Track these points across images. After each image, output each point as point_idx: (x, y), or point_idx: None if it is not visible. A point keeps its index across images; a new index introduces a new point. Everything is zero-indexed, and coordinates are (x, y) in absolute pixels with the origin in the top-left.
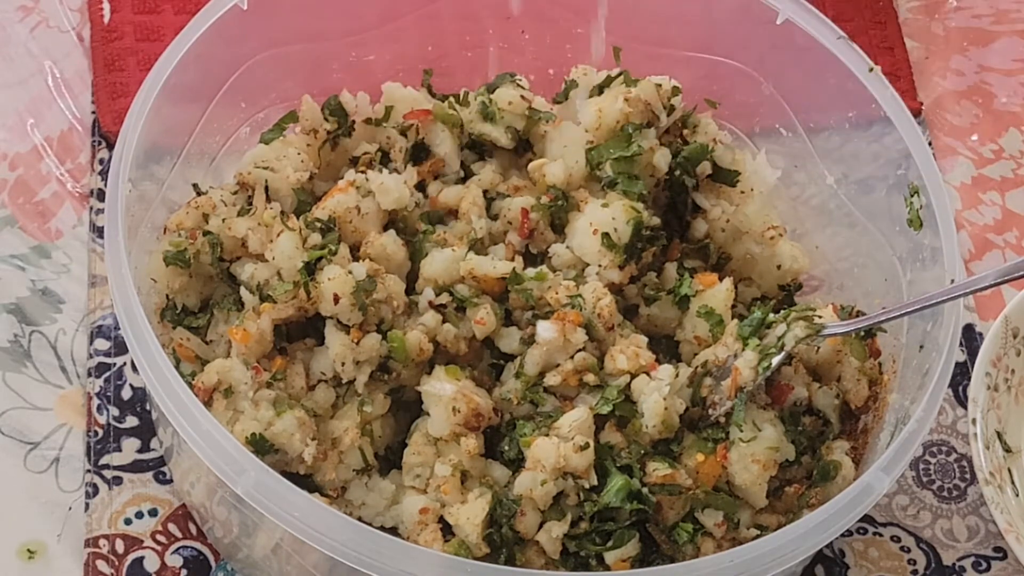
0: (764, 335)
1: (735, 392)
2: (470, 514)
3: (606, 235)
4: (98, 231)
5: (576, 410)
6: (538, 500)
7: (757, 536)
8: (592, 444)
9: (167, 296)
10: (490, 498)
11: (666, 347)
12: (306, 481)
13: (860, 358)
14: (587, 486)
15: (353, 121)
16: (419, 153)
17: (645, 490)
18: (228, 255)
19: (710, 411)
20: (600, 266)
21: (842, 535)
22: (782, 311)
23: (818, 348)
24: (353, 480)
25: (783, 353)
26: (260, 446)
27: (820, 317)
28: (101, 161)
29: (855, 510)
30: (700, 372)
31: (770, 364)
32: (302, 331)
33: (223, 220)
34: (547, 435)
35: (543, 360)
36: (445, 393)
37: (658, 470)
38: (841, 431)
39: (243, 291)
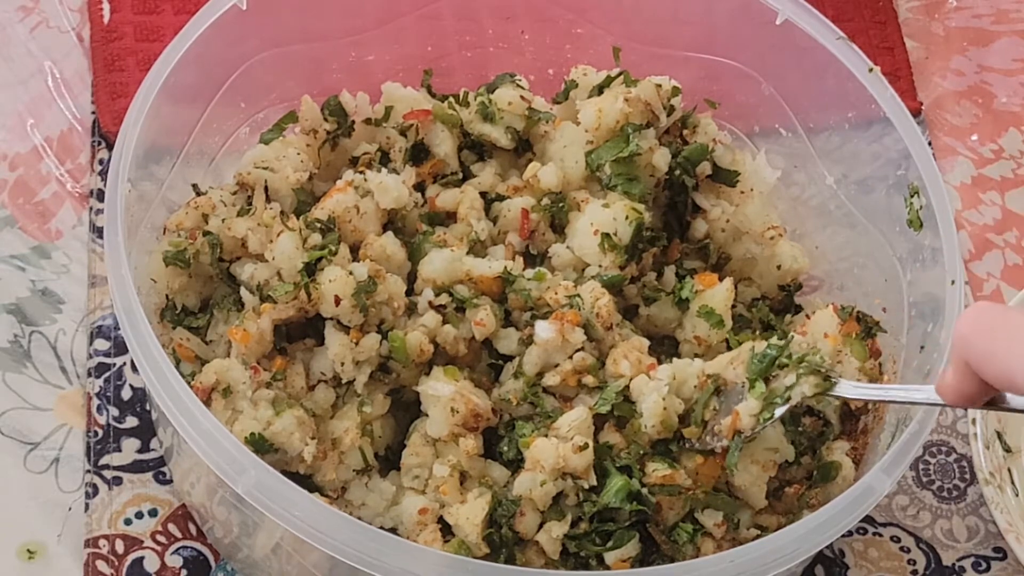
0: (774, 376)
1: (732, 435)
2: (470, 514)
3: (607, 235)
4: (98, 231)
5: (575, 410)
6: (537, 500)
7: (757, 536)
8: (591, 444)
9: (167, 296)
10: (490, 498)
11: (667, 347)
12: (306, 482)
13: (860, 358)
14: (586, 486)
15: (353, 121)
16: (419, 153)
17: (645, 491)
18: (228, 255)
19: (707, 438)
20: (601, 266)
21: (842, 535)
22: (796, 356)
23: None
24: (353, 480)
25: (786, 406)
26: (259, 446)
27: (833, 375)
28: (101, 161)
29: (856, 511)
30: (709, 387)
31: (772, 415)
32: (302, 331)
33: (223, 220)
34: (546, 435)
35: (542, 360)
36: (443, 394)
37: (658, 470)
38: (841, 431)
39: (243, 291)
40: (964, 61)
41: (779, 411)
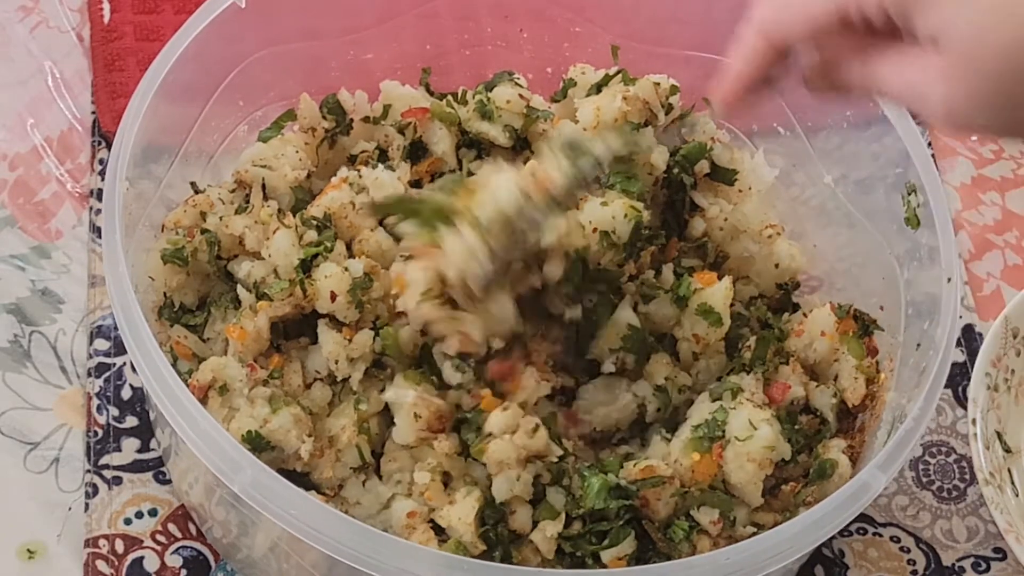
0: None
1: (545, 200)
2: (461, 514)
3: (605, 233)
4: (98, 231)
5: (502, 413)
6: (522, 495)
7: (753, 534)
8: (539, 423)
9: (164, 294)
10: (479, 495)
11: (666, 345)
12: (303, 480)
13: (858, 356)
14: (554, 459)
15: (351, 119)
16: (417, 151)
17: (623, 481)
18: (225, 253)
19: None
20: (599, 264)
21: (842, 535)
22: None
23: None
24: (350, 479)
25: (595, 162)
26: (256, 443)
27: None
28: (101, 161)
29: (851, 508)
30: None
31: (580, 171)
32: (299, 329)
33: (220, 218)
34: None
35: None
36: (406, 400)
37: (637, 464)
38: (838, 429)
39: (240, 289)
40: None
41: (588, 166)
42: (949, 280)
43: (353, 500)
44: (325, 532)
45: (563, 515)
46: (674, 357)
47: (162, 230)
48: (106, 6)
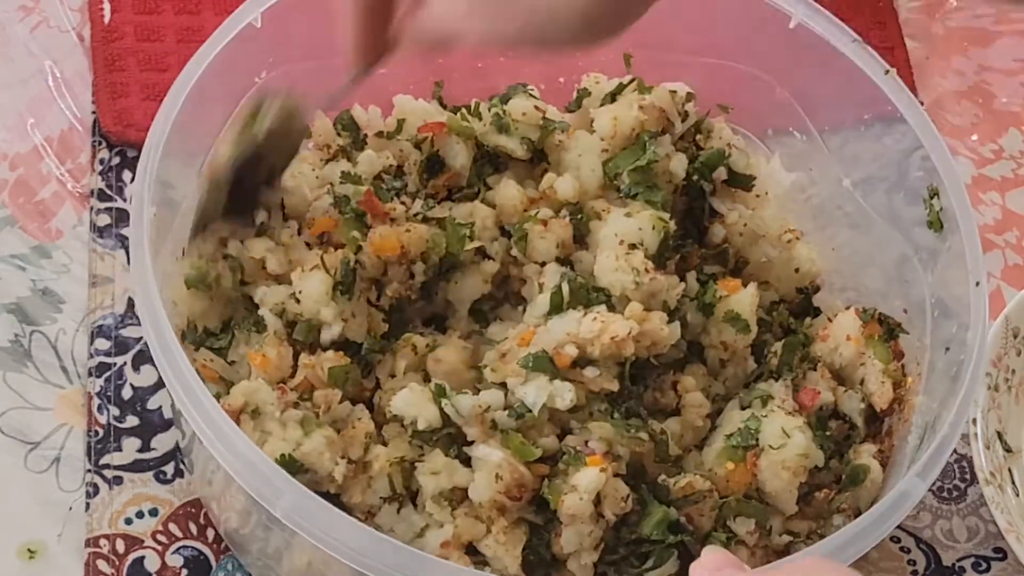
0: None
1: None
2: (508, 544)
3: (633, 246)
4: (98, 231)
5: (587, 473)
6: (589, 548)
7: (789, 543)
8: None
9: (188, 319)
10: (526, 528)
11: (693, 352)
12: (336, 501)
13: (884, 360)
14: (628, 509)
15: (365, 135)
16: (433, 166)
17: (681, 518)
18: (248, 278)
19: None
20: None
21: None
22: None
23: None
24: (383, 506)
25: None
26: (291, 467)
27: None
28: (101, 161)
29: (894, 516)
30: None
31: None
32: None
33: (242, 242)
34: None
35: None
36: (492, 459)
37: (678, 482)
38: (867, 434)
39: (267, 314)
40: (964, 61)
41: None
42: (978, 284)
43: (387, 527)
44: (370, 555)
45: (601, 546)
46: (702, 365)
47: (183, 254)
48: (107, 6)
